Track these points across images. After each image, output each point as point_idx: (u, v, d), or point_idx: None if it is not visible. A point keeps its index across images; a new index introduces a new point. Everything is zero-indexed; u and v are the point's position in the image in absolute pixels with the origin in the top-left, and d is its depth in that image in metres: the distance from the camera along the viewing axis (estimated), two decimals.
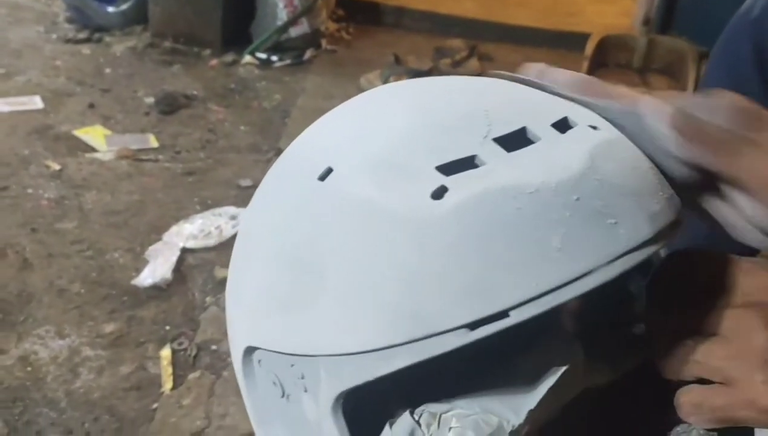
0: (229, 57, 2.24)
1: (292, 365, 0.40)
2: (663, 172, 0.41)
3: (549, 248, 0.35)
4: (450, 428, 0.39)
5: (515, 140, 0.38)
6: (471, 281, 0.35)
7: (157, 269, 1.30)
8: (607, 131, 0.40)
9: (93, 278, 1.30)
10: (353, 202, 0.37)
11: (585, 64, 2.36)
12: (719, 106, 0.39)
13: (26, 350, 1.13)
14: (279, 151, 1.83)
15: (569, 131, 0.39)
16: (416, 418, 0.39)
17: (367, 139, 0.40)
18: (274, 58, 2.26)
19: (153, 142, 1.81)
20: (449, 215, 0.35)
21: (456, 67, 2.33)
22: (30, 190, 1.54)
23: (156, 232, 1.45)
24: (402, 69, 2.21)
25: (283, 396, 0.42)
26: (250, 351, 0.42)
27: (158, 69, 2.15)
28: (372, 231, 0.36)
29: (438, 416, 0.39)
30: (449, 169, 0.37)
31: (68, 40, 2.24)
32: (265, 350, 0.41)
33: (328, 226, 0.38)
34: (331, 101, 2.06)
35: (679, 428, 0.43)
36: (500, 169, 0.37)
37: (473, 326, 0.35)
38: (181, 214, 1.51)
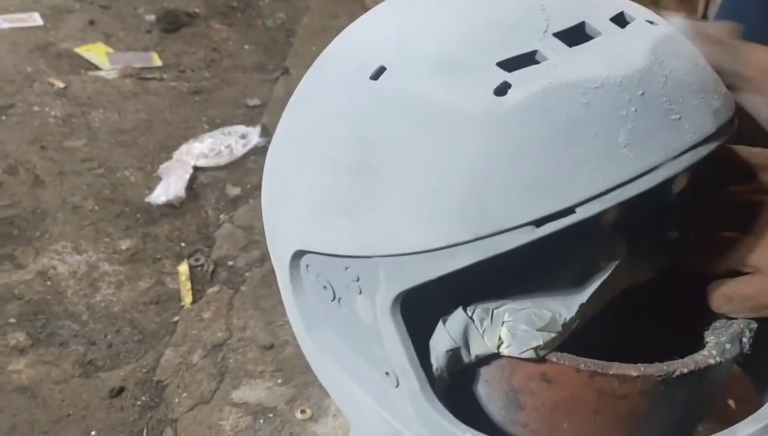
0: None
1: (347, 268, 0.39)
2: None
3: (616, 143, 0.35)
4: (503, 323, 0.39)
5: (575, 35, 0.38)
6: (537, 178, 0.34)
7: (170, 186, 1.30)
8: (665, 26, 0.41)
9: (106, 196, 1.30)
10: (411, 101, 0.36)
11: None
12: (720, 25, 0.46)
13: (44, 264, 1.14)
14: (286, 71, 1.80)
15: (628, 26, 0.39)
16: (469, 314, 0.40)
17: (419, 36, 0.39)
18: None
19: (156, 60, 1.78)
20: (514, 111, 0.35)
21: None
22: (36, 108, 1.52)
23: (166, 151, 1.44)
24: None
25: (334, 299, 0.41)
26: (298, 256, 0.41)
27: None
28: (434, 129, 0.36)
29: (491, 312, 0.40)
30: (510, 64, 0.36)
31: None
32: (318, 253, 0.40)
33: (386, 126, 0.37)
34: (337, 20, 2.02)
35: (717, 323, 0.44)
36: (563, 64, 0.36)
37: (539, 222, 0.34)
38: (189, 133, 1.50)
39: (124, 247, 1.20)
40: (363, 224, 0.37)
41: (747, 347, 0.42)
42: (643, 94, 0.36)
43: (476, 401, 0.43)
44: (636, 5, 0.42)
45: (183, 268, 1.16)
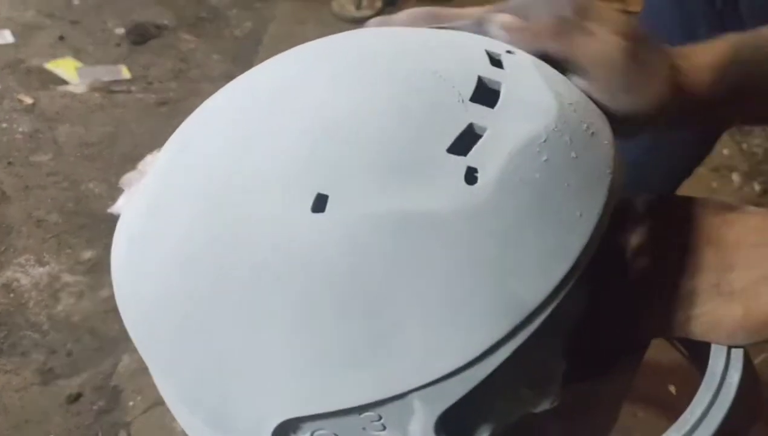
0: None
1: (360, 414, 0.34)
2: None
3: (587, 179, 0.36)
4: None
5: (484, 93, 0.37)
6: (546, 242, 0.33)
7: (132, 196, 1.33)
8: (521, 53, 0.42)
9: (70, 208, 1.34)
10: (382, 224, 0.32)
11: None
12: (554, 1, 0.44)
13: (8, 277, 1.18)
14: None
15: (505, 65, 0.39)
16: None
17: (342, 147, 0.34)
18: None
19: (125, 73, 1.82)
20: (496, 194, 0.33)
21: None
22: (5, 125, 1.56)
23: (131, 162, 1.46)
24: None
25: None
26: (287, 426, 0.35)
27: None
28: (428, 243, 0.32)
29: None
30: (460, 146, 0.34)
31: None
32: (321, 415, 0.34)
33: (367, 259, 0.32)
34: (303, 26, 2.06)
35: None
36: (502, 129, 0.35)
37: (559, 288, 0.33)
38: (155, 144, 1.52)
39: (86, 257, 1.23)
40: (385, 366, 0.33)
41: None
42: (572, 130, 0.37)
43: None
44: (484, 39, 0.43)
45: None
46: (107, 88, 1.74)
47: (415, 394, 0.33)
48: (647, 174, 0.96)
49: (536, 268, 0.33)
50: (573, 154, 0.36)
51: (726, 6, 0.83)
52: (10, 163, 1.45)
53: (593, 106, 0.42)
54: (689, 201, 0.45)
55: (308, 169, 0.34)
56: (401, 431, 0.34)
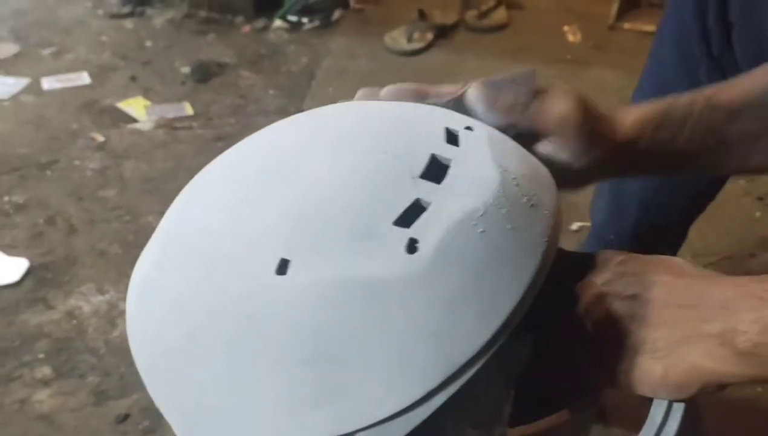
0: (260, 23, 2.34)
1: None
2: None
3: (523, 246, 0.41)
4: None
5: (435, 169, 0.42)
6: (480, 304, 0.38)
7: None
8: (478, 127, 0.47)
9: (130, 240, 1.46)
10: (334, 287, 0.37)
11: (615, 6, 2.35)
12: (519, 77, 0.53)
13: (71, 305, 1.30)
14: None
15: (461, 142, 0.44)
16: None
17: (304, 217, 0.39)
18: (305, 20, 2.34)
19: (188, 110, 1.95)
20: (433, 262, 0.38)
21: (482, 20, 2.36)
22: (77, 162, 1.71)
23: None
24: (426, 25, 2.26)
25: None
26: None
27: (194, 39, 2.27)
28: (370, 304, 0.37)
29: None
30: (406, 220, 0.39)
31: (113, 15, 2.38)
32: None
33: (322, 317, 0.37)
34: (356, 60, 2.15)
35: None
36: (445, 203, 0.40)
37: (491, 342, 0.38)
38: None
39: None
40: (337, 409, 0.38)
41: None
42: (511, 203, 0.41)
43: None
44: (451, 114, 0.48)
45: None
46: (171, 125, 1.87)
47: (362, 433, 0.38)
48: (661, 210, 1.00)
49: (467, 328, 0.38)
50: (509, 226, 0.40)
51: (723, 52, 0.86)
52: (80, 198, 1.58)
53: (543, 178, 0.47)
54: (643, 259, 0.49)
55: (276, 235, 0.39)
56: None
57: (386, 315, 0.37)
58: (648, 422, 0.44)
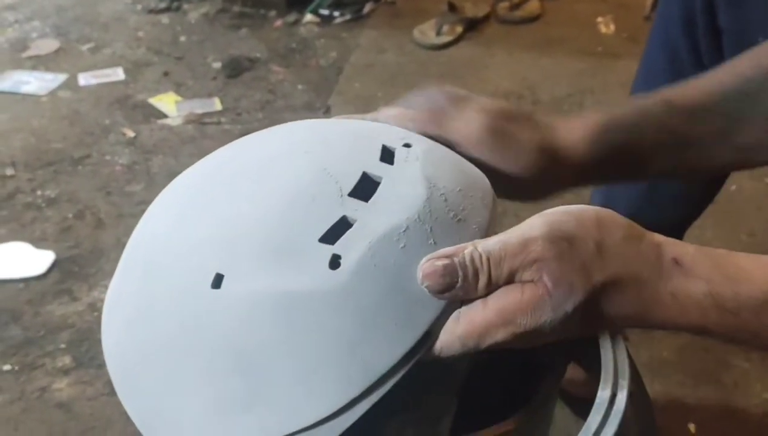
0: (292, 17, 2.37)
1: None
2: None
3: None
4: None
5: (365, 186, 0.43)
6: (398, 318, 0.40)
7: None
8: (417, 142, 0.48)
9: None
10: (260, 298, 0.39)
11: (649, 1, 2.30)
12: (434, 94, 0.54)
13: (94, 297, 1.36)
14: (328, 109, 1.96)
15: (396, 160, 0.45)
16: None
17: (236, 236, 0.42)
18: (336, 13, 2.36)
19: (218, 105, 1.99)
20: (353, 277, 0.39)
21: (514, 11, 2.34)
22: (108, 157, 1.77)
23: None
24: (456, 17, 2.26)
25: None
26: None
27: (227, 34, 2.32)
28: (290, 316, 0.39)
29: None
30: (331, 237, 0.41)
31: (150, 11, 2.44)
32: None
33: (248, 329, 0.39)
34: (383, 55, 2.16)
35: None
36: (370, 220, 0.41)
37: (409, 355, 0.40)
38: None
39: None
40: (266, 414, 0.40)
41: None
42: (435, 219, 0.42)
43: None
44: (391, 129, 0.50)
45: None
46: (200, 120, 1.92)
47: None
48: (651, 218, 0.99)
49: (386, 339, 0.39)
50: (431, 241, 0.42)
51: (712, 59, 0.85)
52: (108, 193, 1.64)
53: (479, 191, 0.48)
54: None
55: (212, 251, 0.42)
56: None
57: (308, 327, 0.39)
58: (583, 429, 0.44)
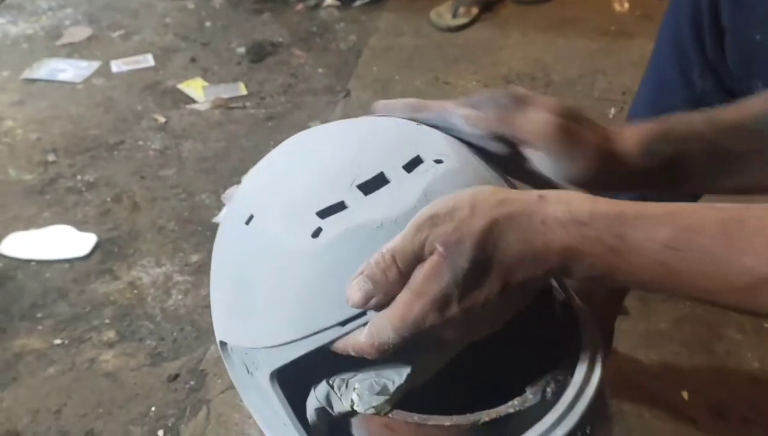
0: (312, 0, 2.45)
1: (246, 353, 0.54)
2: (484, 150, 0.57)
3: None
4: (354, 389, 0.51)
5: (375, 183, 0.51)
6: (341, 292, 0.47)
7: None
8: (451, 162, 0.54)
9: (185, 217, 1.62)
10: (266, 241, 0.51)
11: None
12: (499, 95, 0.58)
13: (133, 276, 1.47)
14: (347, 93, 2.04)
15: (417, 168, 0.51)
16: (331, 384, 0.52)
17: (273, 191, 0.53)
18: None
19: (243, 90, 2.09)
20: (323, 249, 0.48)
21: None
22: (141, 142, 1.87)
23: (237, 175, 1.74)
24: None
25: (248, 373, 0.55)
26: (223, 344, 0.56)
27: (250, 18, 2.40)
28: (277, 261, 0.50)
29: (346, 381, 0.52)
30: (324, 213, 0.49)
31: None
32: (230, 344, 0.55)
33: (252, 257, 0.51)
34: (401, 38, 2.24)
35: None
36: (358, 210, 0.49)
37: (344, 323, 0.48)
38: (258, 158, 1.78)
39: (193, 260, 1.50)
40: (246, 325, 0.51)
41: (549, 395, 0.52)
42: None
43: None
44: (437, 143, 0.55)
45: None
46: (226, 105, 2.01)
47: (258, 351, 0.51)
48: None
49: (330, 306, 0.48)
50: None
51: (716, 56, 0.89)
52: (142, 177, 1.75)
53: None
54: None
55: (254, 200, 0.54)
56: (259, 374, 0.52)
57: (284, 274, 0.49)
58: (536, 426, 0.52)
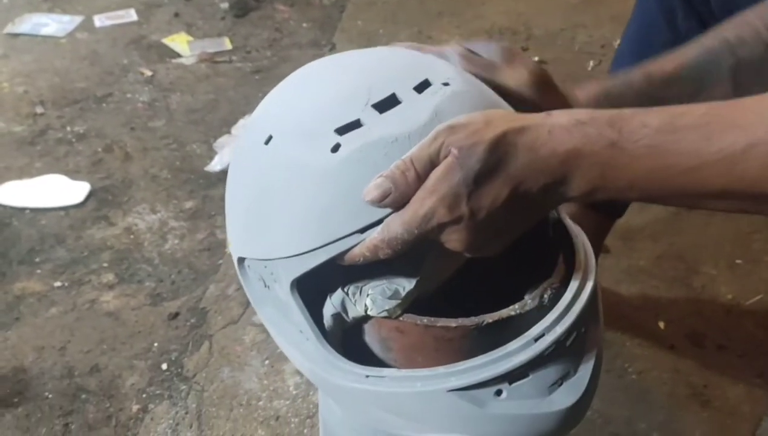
0: None
1: (265, 266, 0.55)
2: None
3: None
4: (367, 295, 0.55)
5: (388, 103, 0.53)
6: (360, 202, 0.50)
7: (224, 157, 1.62)
8: (456, 85, 0.55)
9: (177, 166, 1.65)
10: (285, 159, 0.53)
11: None
12: (491, 46, 0.63)
13: (129, 222, 1.50)
14: (333, 46, 2.06)
15: (426, 90, 0.54)
16: (346, 291, 0.55)
17: (291, 113, 0.55)
18: None
19: (228, 44, 2.10)
20: (342, 162, 0.50)
21: None
22: (129, 95, 1.89)
23: (226, 125, 1.76)
24: None
25: (265, 287, 0.57)
26: (241, 260, 0.58)
27: None
28: (298, 176, 0.52)
29: (360, 288, 0.55)
30: (342, 130, 0.51)
31: None
32: (249, 258, 0.56)
33: (273, 174, 0.53)
34: None
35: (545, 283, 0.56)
36: (374, 127, 0.51)
37: (363, 230, 0.51)
38: (247, 109, 1.81)
39: (187, 206, 1.53)
40: (266, 238, 0.53)
41: (546, 301, 0.55)
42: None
43: (367, 347, 0.59)
44: (443, 69, 0.58)
45: None
46: (212, 59, 2.03)
47: (278, 262, 0.53)
48: None
49: (347, 216, 0.51)
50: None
51: (701, 2, 0.94)
52: (132, 128, 1.77)
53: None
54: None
55: (273, 121, 0.55)
56: (281, 286, 0.55)
57: (303, 188, 0.52)
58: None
